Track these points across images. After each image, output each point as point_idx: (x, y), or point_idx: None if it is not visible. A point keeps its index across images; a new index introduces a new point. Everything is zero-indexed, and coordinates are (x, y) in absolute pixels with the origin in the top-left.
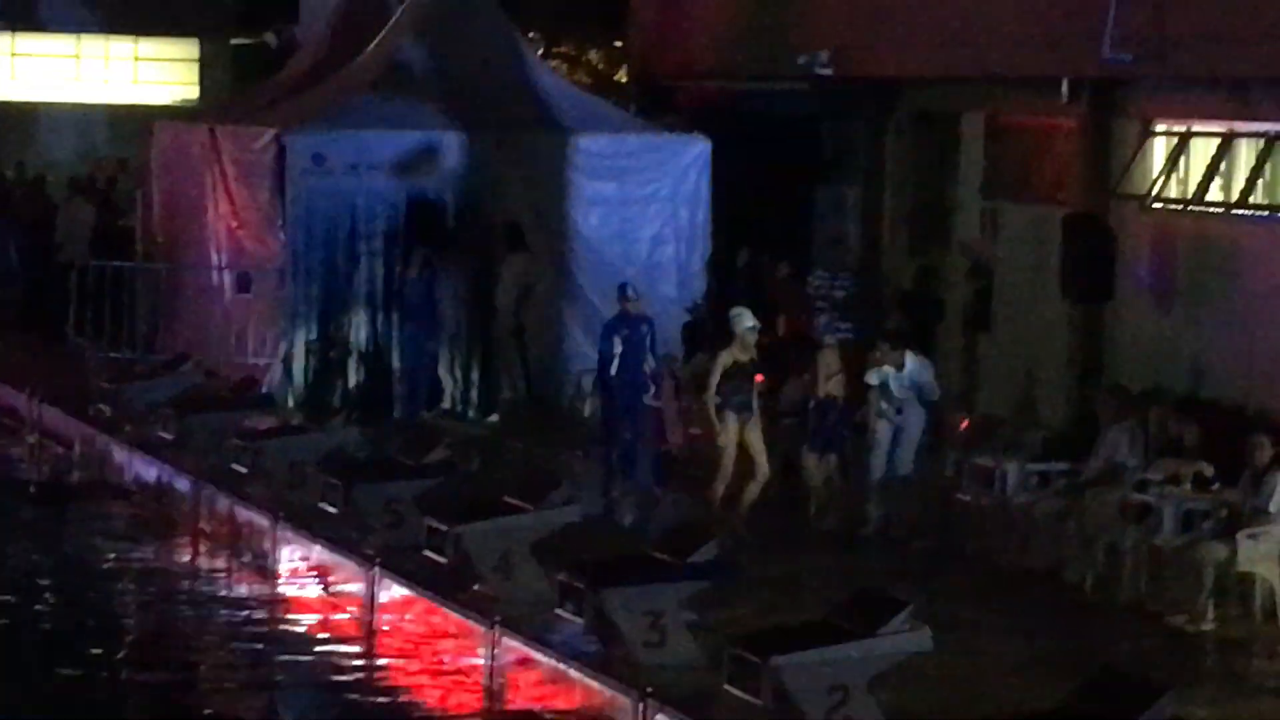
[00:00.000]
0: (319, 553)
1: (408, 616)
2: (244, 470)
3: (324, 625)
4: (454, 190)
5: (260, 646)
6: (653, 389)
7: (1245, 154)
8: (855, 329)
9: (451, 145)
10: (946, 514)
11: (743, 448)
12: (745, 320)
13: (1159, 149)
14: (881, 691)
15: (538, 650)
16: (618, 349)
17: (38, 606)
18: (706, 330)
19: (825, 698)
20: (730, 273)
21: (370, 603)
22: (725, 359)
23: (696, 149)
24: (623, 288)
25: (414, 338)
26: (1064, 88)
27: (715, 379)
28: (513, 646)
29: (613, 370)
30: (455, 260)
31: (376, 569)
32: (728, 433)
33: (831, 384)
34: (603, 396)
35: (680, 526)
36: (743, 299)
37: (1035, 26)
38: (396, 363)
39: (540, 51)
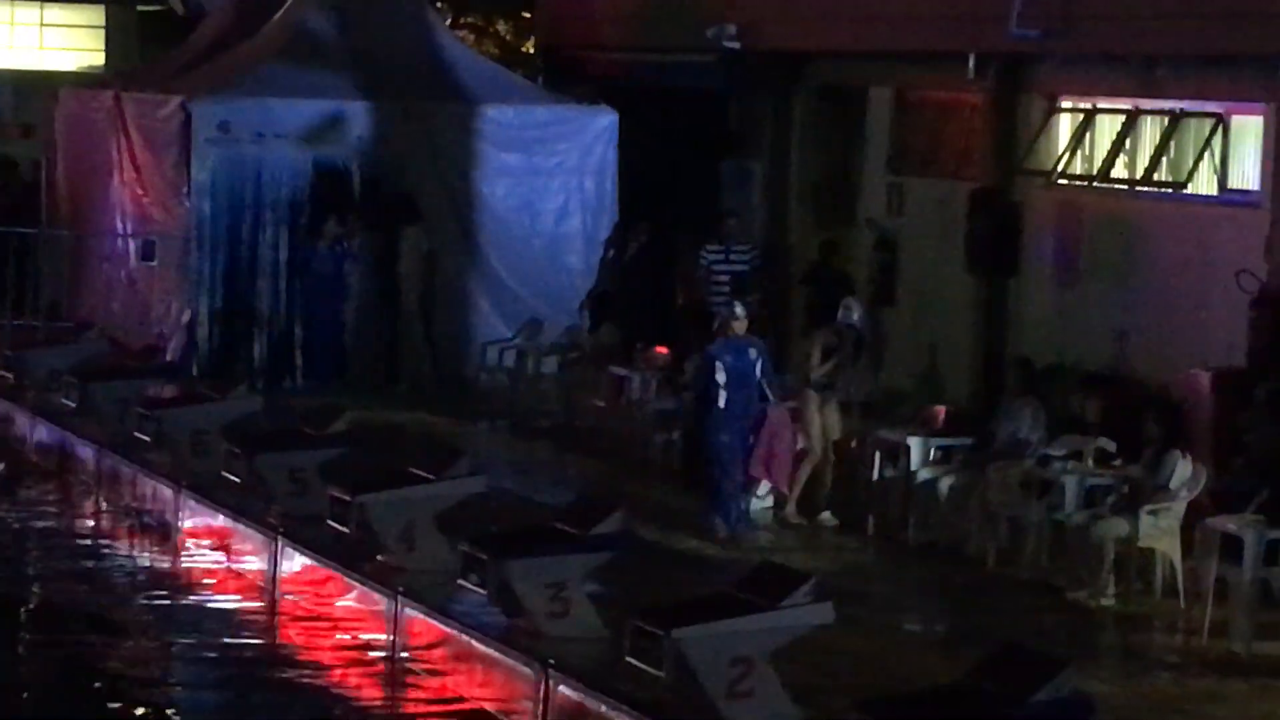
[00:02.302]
0: (222, 522)
1: (310, 586)
2: (147, 439)
3: (226, 595)
4: (360, 160)
5: (162, 615)
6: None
7: (1150, 131)
8: (757, 303)
9: (358, 114)
10: (850, 488)
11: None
12: (851, 314)
13: (1065, 125)
14: (783, 665)
15: (440, 621)
16: (722, 379)
17: None
18: (613, 301)
19: (727, 670)
20: (629, 246)
21: (273, 573)
22: (821, 341)
23: (603, 121)
24: (731, 306)
25: (322, 308)
26: (971, 63)
27: (816, 360)
28: (415, 617)
29: (720, 403)
30: (361, 230)
31: (279, 539)
32: (811, 411)
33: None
34: (704, 435)
35: (584, 498)
36: (642, 272)
37: (942, 2)
38: (300, 332)
39: (448, 21)
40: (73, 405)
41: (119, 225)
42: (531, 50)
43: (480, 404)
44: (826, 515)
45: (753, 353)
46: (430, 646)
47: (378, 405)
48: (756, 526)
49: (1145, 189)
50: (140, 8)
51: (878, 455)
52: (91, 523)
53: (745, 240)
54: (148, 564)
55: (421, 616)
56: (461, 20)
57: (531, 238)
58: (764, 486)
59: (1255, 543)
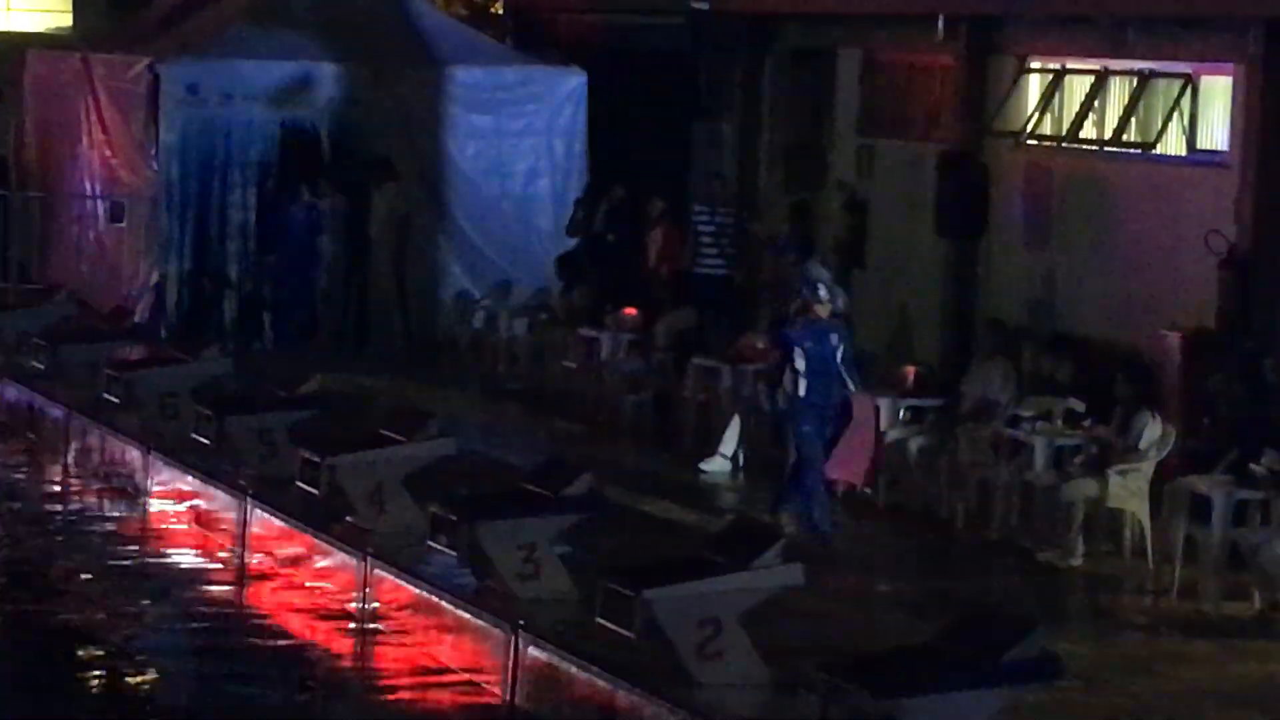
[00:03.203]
0: (191, 484)
1: (280, 548)
2: (116, 401)
3: (195, 556)
4: (329, 121)
5: (131, 577)
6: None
7: (1119, 92)
8: (729, 264)
9: (326, 76)
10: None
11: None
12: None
13: (1034, 86)
14: (753, 625)
15: (410, 583)
16: (801, 365)
17: None
18: (583, 263)
19: (697, 631)
20: (601, 208)
21: (242, 534)
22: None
23: (572, 82)
24: (813, 286)
25: (293, 270)
26: (940, 25)
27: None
28: (385, 579)
29: (800, 390)
30: (330, 192)
31: (248, 500)
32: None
33: None
34: (784, 425)
35: (553, 460)
36: (614, 234)
37: None
38: (271, 295)
39: None
40: (42, 367)
41: (87, 187)
42: (500, 11)
43: (450, 366)
44: None
45: (834, 338)
46: (400, 608)
47: (347, 367)
48: (838, 529)
49: (1114, 150)
50: None
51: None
52: (60, 485)
53: (728, 202)
54: (116, 526)
55: (391, 578)
56: None
57: (500, 199)
58: (729, 444)
59: (1224, 503)
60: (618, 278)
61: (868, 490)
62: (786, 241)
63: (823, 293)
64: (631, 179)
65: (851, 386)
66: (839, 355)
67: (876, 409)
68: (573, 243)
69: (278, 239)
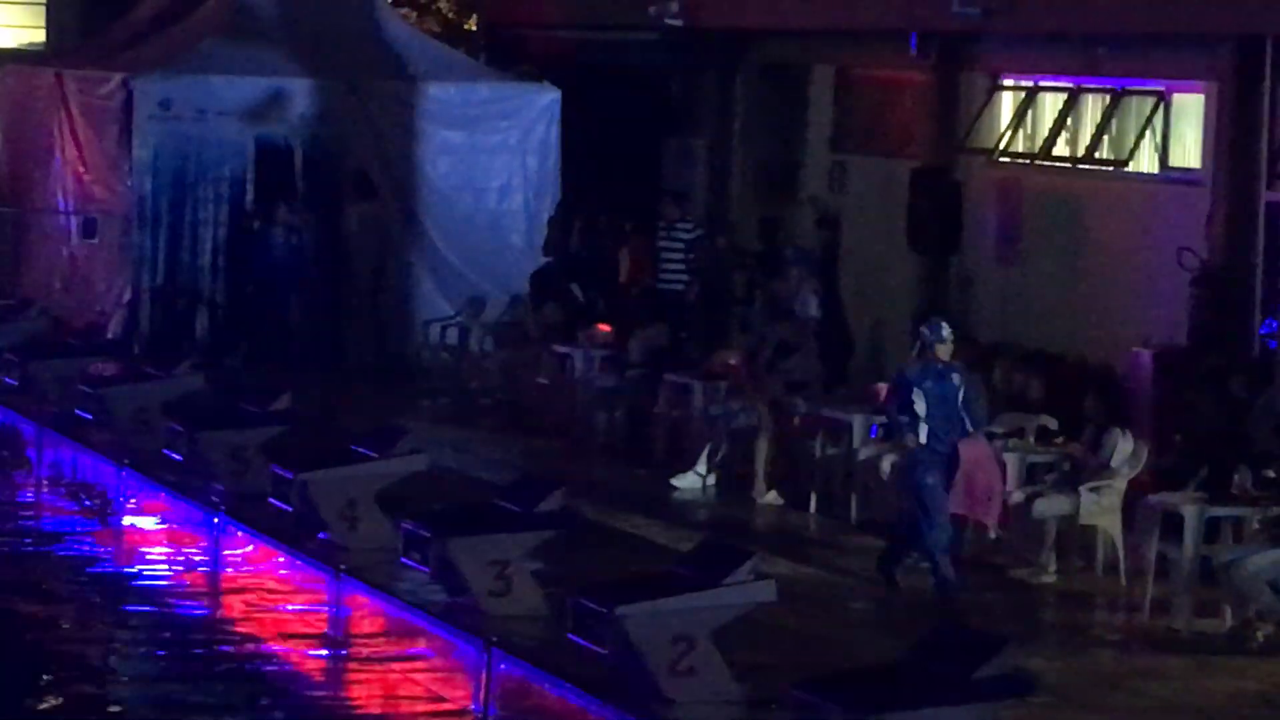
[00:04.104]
0: (163, 500)
1: (252, 564)
2: (89, 416)
3: (168, 573)
4: (302, 137)
5: (104, 593)
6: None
7: (1091, 109)
8: (697, 280)
9: (300, 92)
10: (793, 466)
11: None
12: (809, 308)
13: (1007, 103)
14: (726, 642)
15: (383, 599)
16: (922, 409)
17: None
18: (556, 279)
19: (669, 648)
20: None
21: (215, 550)
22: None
23: (546, 98)
24: (932, 327)
25: (276, 295)
26: (913, 41)
27: (769, 351)
28: (357, 595)
29: (921, 437)
30: (302, 209)
31: (221, 516)
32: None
33: None
34: (905, 475)
35: (526, 476)
36: (584, 253)
37: None
38: (252, 316)
39: None
40: (14, 383)
41: (60, 203)
42: (474, 28)
43: (422, 382)
44: (772, 495)
45: (955, 379)
46: (372, 624)
47: (320, 383)
48: (964, 583)
49: (1087, 167)
50: None
51: (820, 433)
52: (32, 502)
53: (687, 219)
54: (89, 542)
55: (364, 594)
56: None
57: (474, 215)
58: (702, 463)
59: (1195, 520)
60: (592, 294)
61: (998, 534)
62: (797, 255)
63: (944, 332)
64: (604, 195)
65: (969, 428)
66: (960, 397)
67: (993, 451)
68: (544, 259)
69: (256, 262)
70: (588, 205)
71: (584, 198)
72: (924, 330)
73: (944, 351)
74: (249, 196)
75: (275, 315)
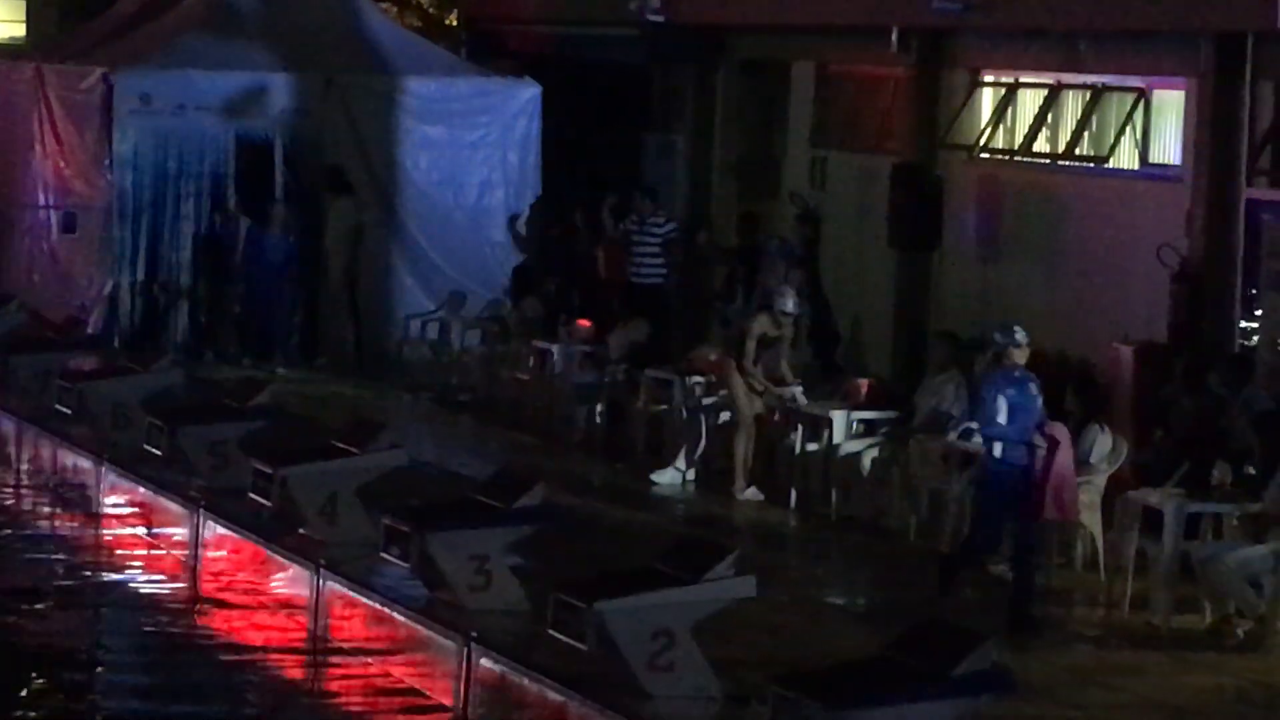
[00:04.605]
0: (143, 495)
1: (232, 559)
2: (68, 411)
3: (148, 568)
4: (282, 132)
5: (84, 588)
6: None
7: (1072, 105)
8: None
9: (280, 87)
10: (772, 461)
11: None
12: (786, 302)
13: (987, 99)
14: (705, 638)
15: (363, 594)
16: (1002, 416)
17: None
18: (536, 275)
19: (649, 643)
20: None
21: (195, 545)
22: (757, 329)
23: (527, 94)
24: (1005, 331)
25: (269, 293)
26: (893, 37)
27: (752, 346)
28: (337, 590)
29: (997, 452)
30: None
31: (201, 512)
32: (736, 384)
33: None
34: (986, 483)
35: (506, 471)
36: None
37: None
38: (247, 314)
39: None
40: None
41: (40, 197)
42: (454, 23)
43: (403, 377)
44: (751, 490)
45: (1033, 387)
46: (352, 620)
47: (300, 379)
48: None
49: (1067, 163)
50: None
51: (800, 429)
52: (12, 497)
53: (660, 214)
54: (69, 537)
55: (343, 590)
56: None
57: (454, 211)
58: (681, 459)
59: (1175, 516)
60: (571, 289)
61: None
62: (780, 248)
63: (1019, 336)
64: (583, 190)
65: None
66: (1039, 405)
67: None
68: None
69: (256, 264)
70: (566, 201)
71: (560, 192)
72: (997, 335)
73: (1020, 356)
74: (229, 191)
75: (272, 314)
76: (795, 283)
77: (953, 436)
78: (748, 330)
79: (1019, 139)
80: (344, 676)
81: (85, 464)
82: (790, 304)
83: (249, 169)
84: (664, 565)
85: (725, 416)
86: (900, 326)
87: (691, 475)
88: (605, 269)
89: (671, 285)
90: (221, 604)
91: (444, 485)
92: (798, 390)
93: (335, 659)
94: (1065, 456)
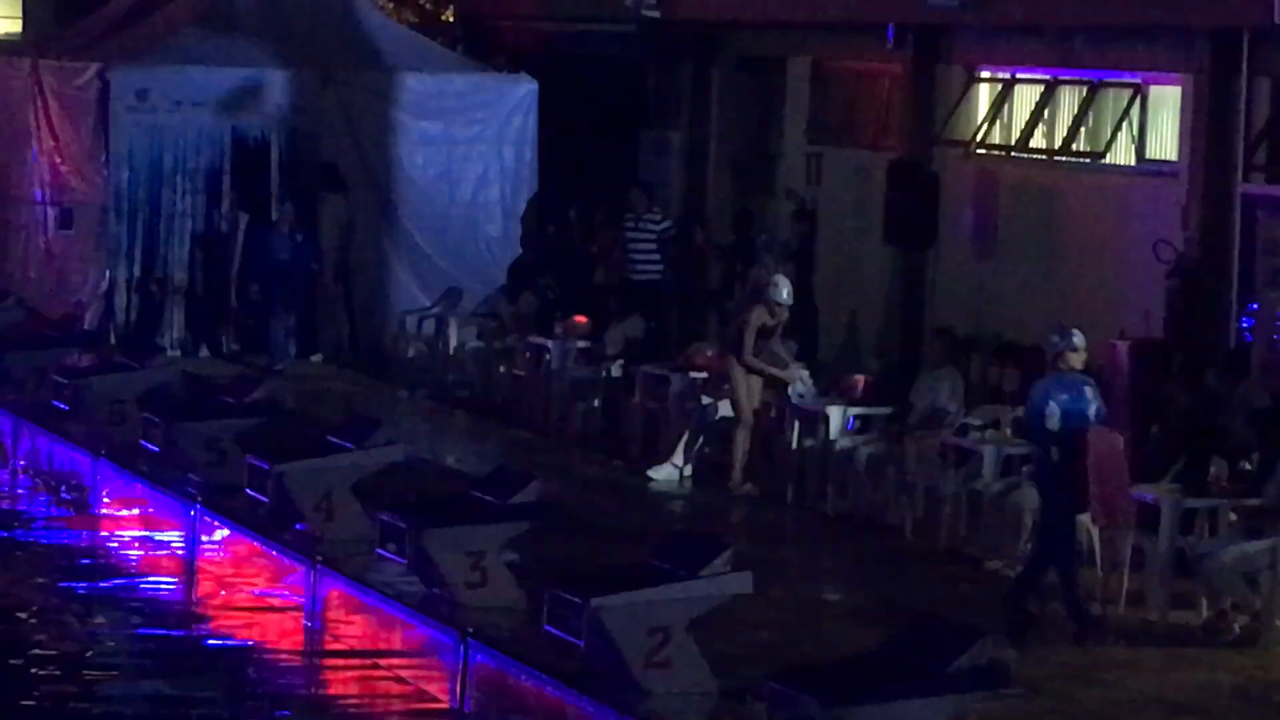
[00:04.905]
0: (140, 491)
1: (229, 556)
2: (65, 407)
3: (144, 564)
4: (278, 128)
5: (80, 585)
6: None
7: (1068, 101)
8: (670, 272)
9: (276, 83)
10: (769, 457)
11: None
12: (780, 292)
13: (983, 95)
14: (702, 634)
15: (359, 590)
16: (1055, 424)
17: None
18: (532, 271)
19: (645, 639)
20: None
21: (191, 542)
22: (755, 320)
23: (523, 90)
24: (1062, 333)
25: (276, 291)
26: (889, 33)
27: (751, 339)
28: (334, 587)
29: (1054, 457)
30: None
31: (197, 508)
32: (738, 379)
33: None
34: (1043, 490)
35: (502, 468)
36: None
37: None
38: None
39: None
40: None
41: (37, 193)
42: (450, 19)
43: (399, 373)
44: (748, 486)
45: (1089, 392)
46: (348, 616)
47: (295, 375)
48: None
49: (1064, 159)
50: None
51: (796, 424)
52: (7, 494)
53: (656, 210)
54: (65, 534)
55: (340, 586)
56: None
57: (450, 207)
58: (678, 455)
59: (1171, 512)
60: (569, 285)
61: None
62: (767, 243)
63: (1076, 339)
64: (579, 187)
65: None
66: (1093, 411)
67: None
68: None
69: (265, 262)
70: (562, 197)
71: (557, 188)
72: (1053, 338)
73: (1076, 360)
74: (226, 188)
75: (279, 313)
76: (786, 273)
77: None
78: (746, 324)
79: (1015, 135)
80: (340, 673)
81: (82, 460)
82: (785, 293)
83: (245, 165)
84: (660, 561)
85: (722, 412)
86: (896, 323)
87: (688, 471)
88: (601, 265)
89: (668, 281)
90: (217, 600)
91: (440, 481)
92: (805, 375)
93: (331, 655)
94: (1119, 462)
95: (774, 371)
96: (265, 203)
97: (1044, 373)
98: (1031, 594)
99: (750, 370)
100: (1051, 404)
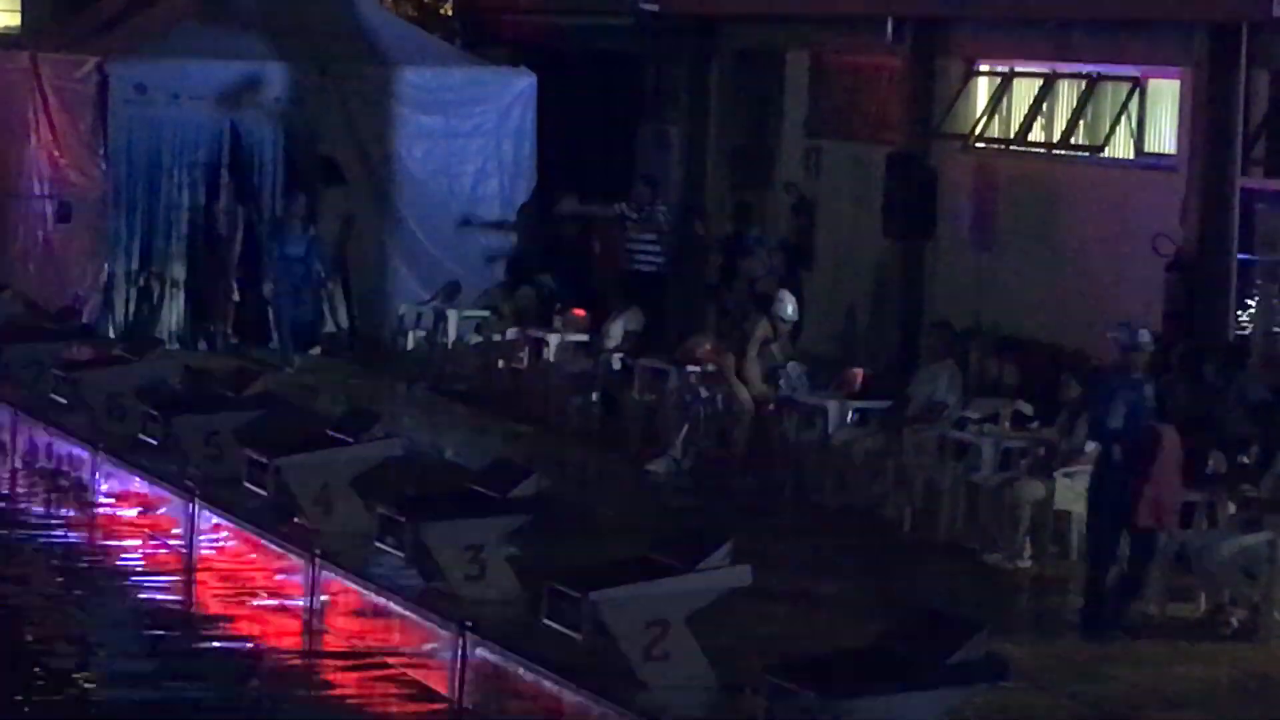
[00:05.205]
0: (138, 484)
1: (227, 549)
2: (63, 401)
3: (143, 558)
4: (277, 122)
5: (79, 579)
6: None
7: (1067, 94)
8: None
9: (275, 76)
10: (767, 451)
11: None
12: (786, 308)
13: (982, 89)
14: (700, 627)
15: (357, 584)
16: (1117, 420)
17: None
18: (531, 264)
19: (644, 632)
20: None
21: (190, 535)
22: (759, 334)
23: (522, 83)
24: (1134, 333)
25: (293, 290)
26: (888, 26)
27: (754, 351)
28: (332, 580)
29: (1115, 455)
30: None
31: (196, 501)
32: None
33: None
34: (1099, 489)
35: (501, 461)
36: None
37: None
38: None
39: None
40: None
41: (35, 187)
42: (449, 12)
43: (397, 366)
44: (747, 480)
45: (1149, 390)
46: (347, 609)
47: (295, 367)
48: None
49: (1062, 152)
50: None
51: (795, 418)
52: (7, 488)
53: (658, 202)
54: (64, 527)
55: (339, 579)
56: None
57: (449, 200)
58: (677, 448)
59: None
60: (569, 278)
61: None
62: (758, 239)
63: (1142, 338)
64: (578, 180)
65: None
66: (1152, 409)
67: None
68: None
69: (278, 258)
70: (561, 190)
71: (556, 182)
72: (1121, 336)
73: (1139, 361)
74: (224, 181)
75: (294, 308)
76: (778, 265)
77: (1052, 433)
78: (750, 335)
79: (1014, 128)
80: (338, 666)
81: (81, 454)
82: (790, 309)
83: (244, 159)
84: (659, 555)
85: (720, 405)
86: (895, 316)
87: (687, 464)
88: (600, 257)
89: (667, 273)
90: (216, 594)
91: (439, 475)
92: (801, 371)
93: (330, 648)
94: (1171, 462)
95: (761, 388)
96: (289, 202)
97: (1105, 371)
98: (1131, 597)
99: (745, 381)
100: (1118, 403)
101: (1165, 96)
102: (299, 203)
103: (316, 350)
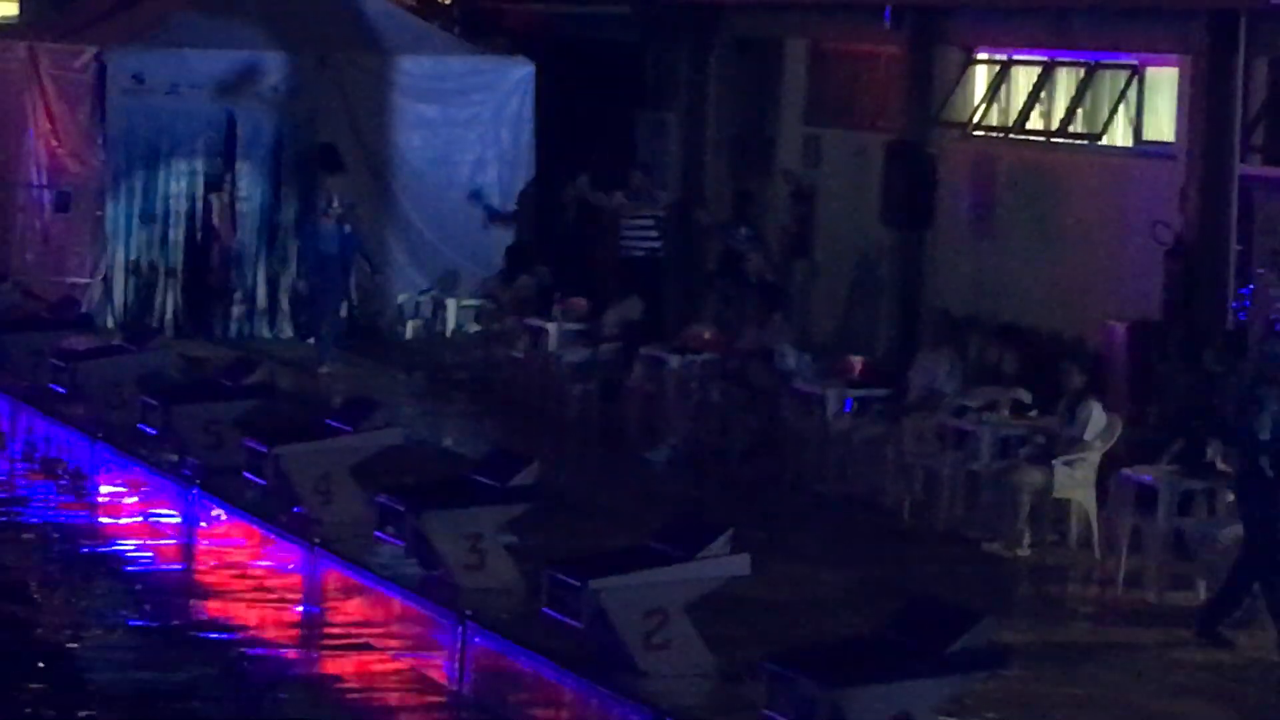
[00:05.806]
0: (137, 474)
1: (227, 539)
2: (62, 391)
3: (142, 547)
4: (275, 111)
5: (77, 567)
6: None
7: (1065, 82)
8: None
9: (273, 66)
10: (767, 439)
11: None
12: (787, 361)
13: (980, 77)
14: (700, 616)
15: (357, 573)
16: (1267, 434)
17: None
18: (529, 252)
19: (644, 621)
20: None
21: (189, 525)
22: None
23: (520, 72)
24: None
25: (326, 285)
26: (887, 14)
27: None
28: (332, 569)
29: (1264, 466)
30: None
31: (195, 490)
32: None
33: None
34: (1246, 498)
35: (500, 450)
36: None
37: None
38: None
39: None
40: None
41: (34, 177)
42: (448, 1)
43: (397, 355)
44: (746, 468)
45: None
46: (347, 598)
47: (294, 357)
48: None
49: (1061, 140)
50: None
51: (795, 407)
52: (5, 477)
53: (654, 190)
54: (63, 517)
55: (338, 568)
56: None
57: (448, 189)
58: (676, 436)
59: (1169, 493)
60: (570, 267)
61: None
62: (750, 235)
63: None
64: (576, 168)
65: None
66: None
67: None
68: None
69: (311, 253)
70: (559, 179)
71: (555, 170)
72: (1267, 346)
73: None
74: (223, 171)
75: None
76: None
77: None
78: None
79: (1013, 116)
80: (339, 655)
81: (79, 443)
82: (791, 362)
83: (243, 148)
84: (658, 543)
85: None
86: (894, 304)
87: (686, 453)
88: (599, 246)
89: (664, 259)
90: (215, 583)
91: (438, 464)
92: (807, 360)
93: (330, 638)
94: None
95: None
96: (317, 198)
97: (1249, 377)
98: (1228, 616)
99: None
100: (1267, 415)
101: (1164, 84)
102: (337, 199)
103: (312, 340)
